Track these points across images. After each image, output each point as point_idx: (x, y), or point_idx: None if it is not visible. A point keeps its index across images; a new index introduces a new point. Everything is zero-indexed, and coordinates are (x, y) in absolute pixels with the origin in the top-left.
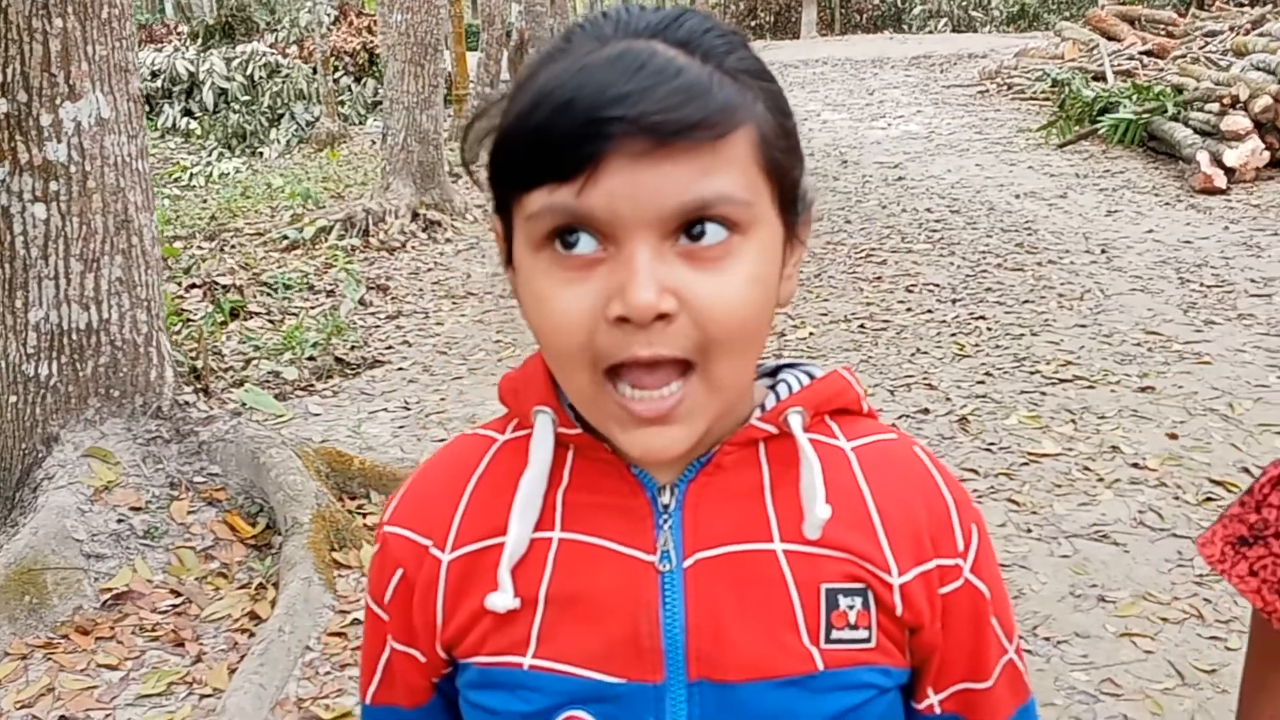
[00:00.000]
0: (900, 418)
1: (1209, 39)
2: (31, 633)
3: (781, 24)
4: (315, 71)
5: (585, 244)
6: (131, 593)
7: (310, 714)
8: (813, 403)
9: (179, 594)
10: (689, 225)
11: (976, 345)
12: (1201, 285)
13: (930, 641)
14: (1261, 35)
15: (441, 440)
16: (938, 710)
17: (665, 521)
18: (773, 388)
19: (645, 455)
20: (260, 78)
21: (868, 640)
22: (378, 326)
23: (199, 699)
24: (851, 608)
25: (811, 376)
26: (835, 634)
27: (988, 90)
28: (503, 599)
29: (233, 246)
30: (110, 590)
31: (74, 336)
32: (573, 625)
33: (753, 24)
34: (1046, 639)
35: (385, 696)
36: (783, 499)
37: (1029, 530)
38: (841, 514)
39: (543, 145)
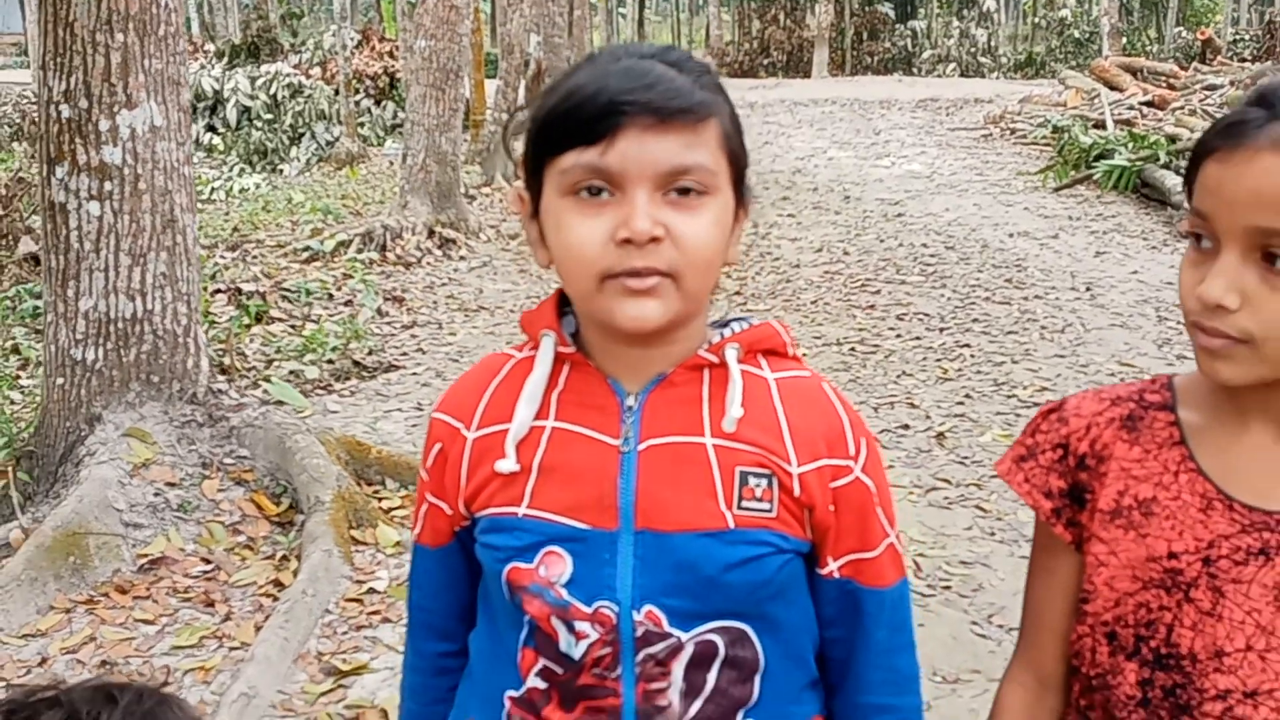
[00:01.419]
0: (881, 432)
1: (1209, 92)
2: (75, 590)
3: (794, 63)
4: (337, 93)
5: (603, 194)
6: (166, 559)
7: (330, 665)
8: (746, 341)
9: (209, 562)
10: (676, 185)
11: (959, 370)
12: (1178, 323)
13: (823, 520)
14: None
15: None
16: (836, 575)
17: (629, 417)
18: (721, 333)
19: (633, 321)
20: (283, 97)
21: (769, 510)
22: (393, 334)
23: (229, 650)
24: (759, 485)
25: (750, 325)
26: (745, 503)
27: (991, 134)
28: (507, 464)
29: (254, 257)
30: (146, 555)
31: (119, 325)
32: (555, 486)
33: (766, 62)
34: (1000, 626)
35: (422, 537)
36: (715, 408)
37: (992, 534)
38: (757, 421)
39: (577, 119)
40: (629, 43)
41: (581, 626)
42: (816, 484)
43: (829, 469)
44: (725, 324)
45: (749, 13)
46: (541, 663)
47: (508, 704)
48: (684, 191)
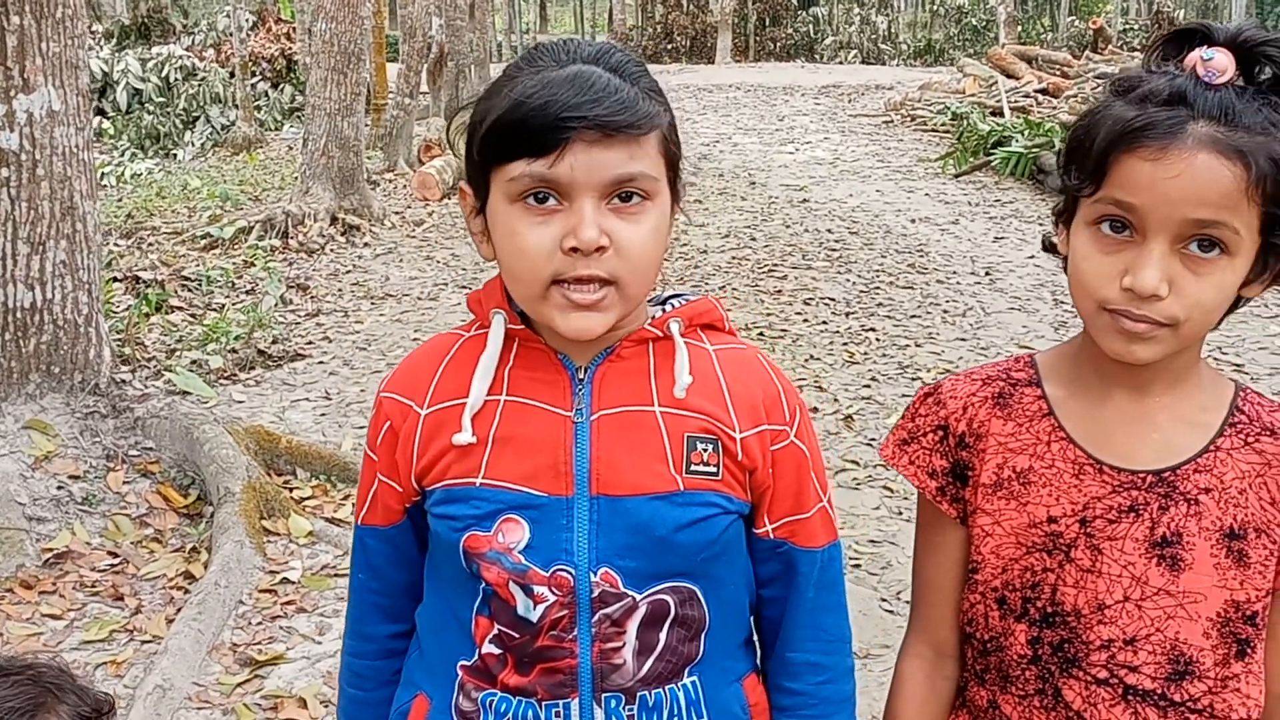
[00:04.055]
0: None
1: (1101, 80)
2: None
3: (697, 48)
4: (232, 76)
5: (550, 201)
6: (71, 553)
7: (245, 656)
8: (686, 315)
9: (116, 555)
10: (619, 192)
11: (865, 354)
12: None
13: (763, 482)
14: None
15: (362, 427)
16: (772, 536)
17: (580, 390)
18: (662, 309)
19: (577, 333)
20: (175, 80)
21: (715, 474)
22: (298, 323)
23: (140, 644)
24: (705, 450)
25: (688, 300)
26: (693, 467)
27: (892, 121)
28: (464, 437)
29: (150, 244)
30: (51, 550)
31: (18, 315)
32: (511, 456)
33: (669, 47)
34: (908, 602)
35: (371, 519)
36: (662, 379)
37: (900, 513)
38: (702, 389)
39: (527, 132)
40: (568, 39)
41: (540, 590)
42: (757, 448)
43: (768, 433)
44: (664, 300)
45: None
46: (497, 629)
47: (460, 674)
48: (626, 197)
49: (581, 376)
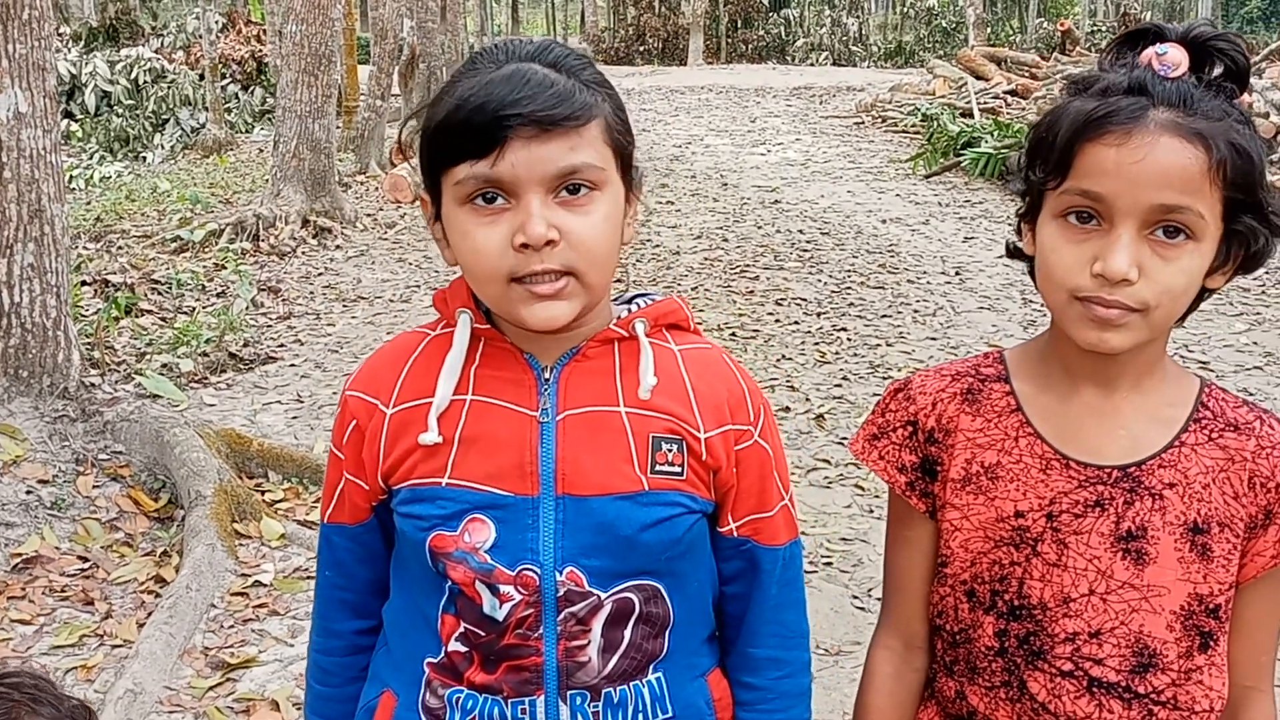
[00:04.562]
0: None
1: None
2: None
3: (669, 50)
4: (202, 78)
5: (498, 200)
6: (40, 558)
7: (217, 660)
8: (651, 316)
9: (86, 560)
10: (565, 185)
11: (836, 353)
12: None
13: (726, 481)
14: None
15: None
16: (735, 534)
17: (546, 390)
18: (628, 309)
19: (544, 323)
20: (145, 82)
21: (680, 474)
22: (269, 326)
23: (110, 649)
24: (670, 450)
25: (654, 300)
26: (658, 467)
27: (863, 122)
28: (430, 436)
29: (119, 248)
30: (20, 555)
31: None
32: (477, 456)
33: (641, 49)
34: (879, 599)
35: (337, 516)
36: (627, 379)
37: (871, 511)
38: (667, 389)
39: (466, 134)
40: (509, 39)
41: (505, 589)
42: (721, 447)
43: (732, 433)
44: (630, 300)
45: None
46: (463, 627)
47: (427, 671)
48: (574, 190)
49: (547, 376)
